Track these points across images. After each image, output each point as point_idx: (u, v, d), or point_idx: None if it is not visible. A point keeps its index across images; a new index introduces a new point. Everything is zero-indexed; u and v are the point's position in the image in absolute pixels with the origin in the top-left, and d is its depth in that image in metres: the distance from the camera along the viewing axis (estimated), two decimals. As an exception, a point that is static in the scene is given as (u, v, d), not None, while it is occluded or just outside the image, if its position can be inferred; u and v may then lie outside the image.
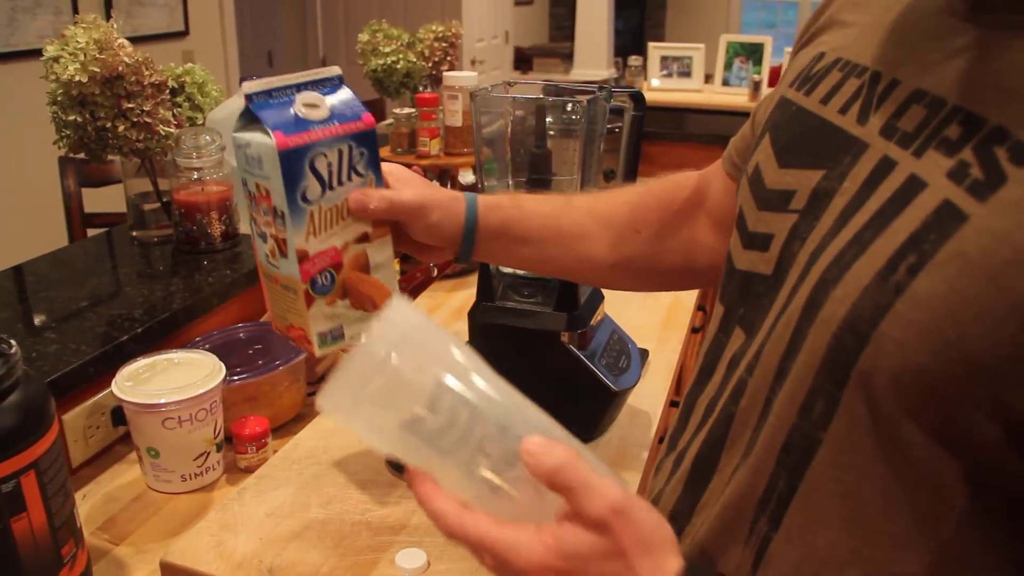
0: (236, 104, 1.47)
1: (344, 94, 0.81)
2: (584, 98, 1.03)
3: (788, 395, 0.57)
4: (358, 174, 0.79)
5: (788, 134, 0.67)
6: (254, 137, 0.77)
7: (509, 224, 0.88)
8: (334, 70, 0.82)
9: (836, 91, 0.63)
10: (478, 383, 0.55)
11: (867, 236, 0.53)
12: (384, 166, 0.83)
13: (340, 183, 0.78)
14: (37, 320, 1.23)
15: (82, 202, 2.18)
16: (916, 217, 0.50)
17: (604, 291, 1.27)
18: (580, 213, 0.92)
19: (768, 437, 0.59)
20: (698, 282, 1.04)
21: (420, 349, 0.55)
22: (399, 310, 0.56)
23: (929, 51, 0.56)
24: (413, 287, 0.98)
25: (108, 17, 3.41)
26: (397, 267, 0.89)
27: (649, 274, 0.97)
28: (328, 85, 0.81)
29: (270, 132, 0.75)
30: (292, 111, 0.77)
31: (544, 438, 0.54)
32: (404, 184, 0.84)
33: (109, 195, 2.13)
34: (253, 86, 0.77)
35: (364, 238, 0.81)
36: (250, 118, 0.78)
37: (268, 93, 0.77)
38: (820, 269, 0.56)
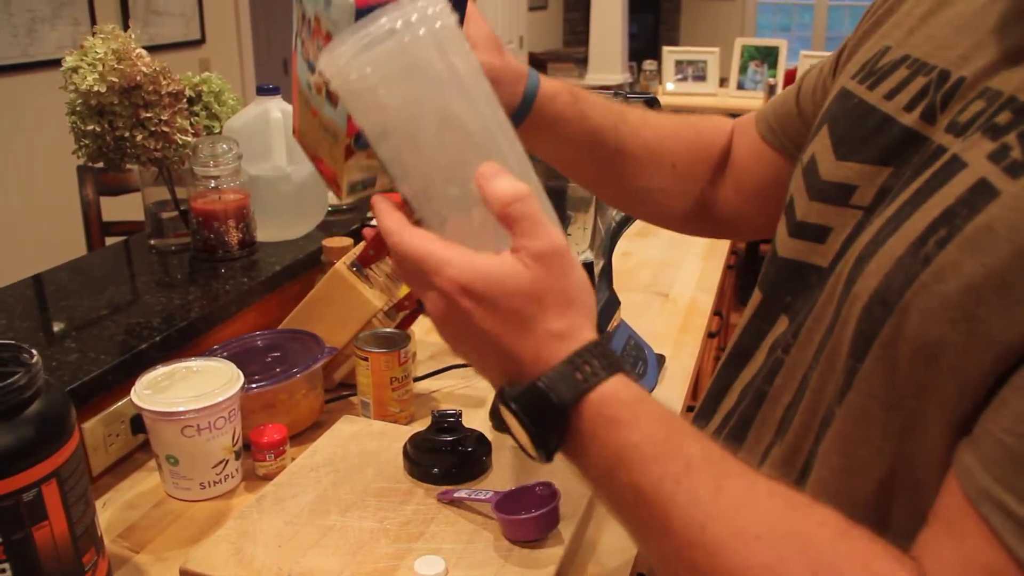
0: (253, 112, 1.48)
1: None
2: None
3: (824, 371, 0.58)
4: None
5: (848, 126, 0.67)
6: None
7: (556, 124, 0.86)
8: None
9: (902, 88, 0.63)
10: (483, 109, 0.57)
11: (904, 213, 0.54)
12: (468, 11, 0.74)
13: None
14: (57, 329, 1.24)
15: (100, 210, 2.20)
16: (952, 194, 0.51)
17: (620, 297, 1.27)
18: (628, 130, 0.90)
19: (806, 413, 0.60)
20: (705, 231, 1.04)
21: (442, 46, 0.56)
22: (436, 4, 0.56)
23: (993, 45, 0.56)
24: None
25: (126, 27, 3.42)
26: None
27: (665, 208, 0.97)
28: None
29: None
30: None
31: (501, 169, 0.55)
32: (477, 49, 0.76)
33: (127, 203, 2.15)
34: None
35: None
36: None
37: None
38: (859, 247, 0.57)
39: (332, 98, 0.71)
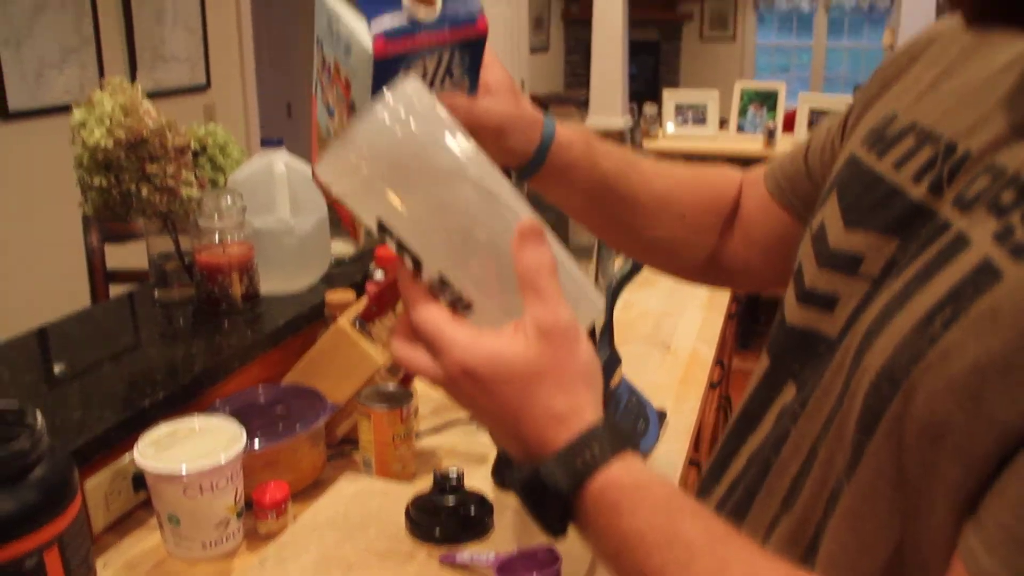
0: (258, 165, 1.50)
1: None
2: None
3: (832, 443, 0.58)
4: (451, 77, 0.71)
5: (856, 195, 0.68)
6: (344, 13, 0.67)
7: (568, 171, 0.85)
8: None
9: (910, 158, 0.63)
10: (486, 172, 0.58)
11: (911, 289, 0.55)
12: (485, 59, 0.74)
13: (430, 86, 0.70)
14: (61, 385, 1.24)
15: (104, 257, 2.21)
16: (957, 273, 0.51)
17: (622, 349, 1.27)
18: (638, 180, 0.90)
19: (814, 486, 0.60)
20: (715, 281, 1.04)
21: (431, 123, 0.57)
22: (411, 85, 0.57)
23: (1000, 119, 0.57)
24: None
25: (133, 72, 3.44)
26: None
27: (674, 258, 0.98)
28: None
29: (369, 31, 0.64)
30: (399, 1, 0.65)
31: (540, 233, 0.56)
32: (493, 97, 0.77)
33: (131, 249, 2.16)
34: None
35: None
36: None
37: None
38: (867, 322, 0.58)
39: None
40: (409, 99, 0.56)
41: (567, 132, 0.84)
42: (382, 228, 0.57)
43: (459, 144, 0.57)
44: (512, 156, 0.81)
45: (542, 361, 0.55)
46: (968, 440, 0.48)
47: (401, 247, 0.57)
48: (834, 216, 0.69)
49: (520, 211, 0.58)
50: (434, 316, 0.57)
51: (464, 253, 0.58)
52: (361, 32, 0.64)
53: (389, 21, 0.64)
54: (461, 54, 0.69)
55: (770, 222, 0.91)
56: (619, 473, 0.54)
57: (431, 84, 0.70)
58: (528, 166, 0.82)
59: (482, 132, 0.76)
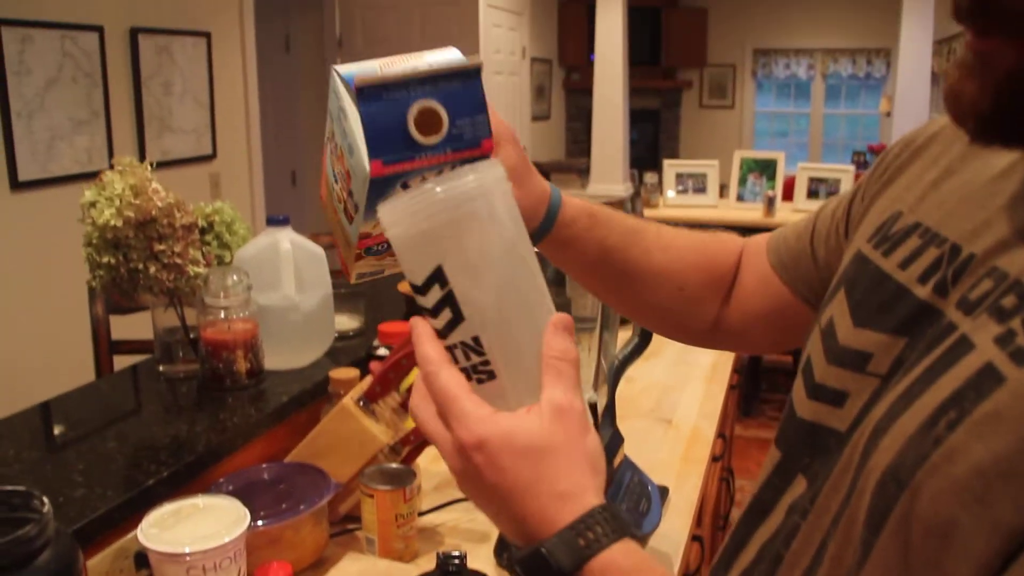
0: (264, 243, 1.52)
1: (472, 101, 0.65)
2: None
3: (841, 540, 0.58)
4: None
5: (864, 293, 0.69)
6: (351, 114, 0.66)
7: (571, 244, 0.88)
8: (473, 64, 0.66)
9: (916, 258, 0.65)
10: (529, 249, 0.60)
11: (916, 390, 0.56)
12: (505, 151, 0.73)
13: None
14: (65, 462, 1.25)
15: (110, 328, 2.23)
16: (961, 375, 0.52)
17: (623, 424, 1.28)
18: (639, 253, 0.92)
19: None
20: (717, 345, 1.06)
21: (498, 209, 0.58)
22: (493, 171, 0.58)
23: (1003, 223, 0.59)
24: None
25: (140, 143, 3.49)
26: None
27: (675, 325, 1.00)
28: (458, 81, 0.64)
29: (368, 152, 0.63)
30: (403, 122, 0.63)
31: (569, 327, 0.60)
32: (497, 147, 0.76)
33: (136, 319, 2.18)
34: (365, 78, 0.63)
35: None
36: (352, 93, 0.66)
37: (383, 88, 0.63)
38: (874, 419, 0.59)
39: (348, 216, 0.72)
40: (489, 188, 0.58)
41: (572, 207, 0.87)
42: (436, 278, 0.57)
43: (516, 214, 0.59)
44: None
45: (554, 439, 0.57)
46: (974, 541, 0.48)
47: (446, 301, 0.58)
48: (843, 314, 0.70)
49: (548, 297, 0.61)
50: (456, 383, 0.58)
51: (507, 323, 0.59)
52: (363, 142, 0.64)
53: (390, 139, 0.63)
54: (463, 165, 0.66)
55: (769, 294, 0.92)
56: (619, 556, 0.55)
57: None
58: (533, 238, 0.85)
59: None
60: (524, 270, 0.59)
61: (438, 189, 0.56)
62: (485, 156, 0.65)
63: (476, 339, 0.58)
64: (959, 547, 0.49)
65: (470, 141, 0.65)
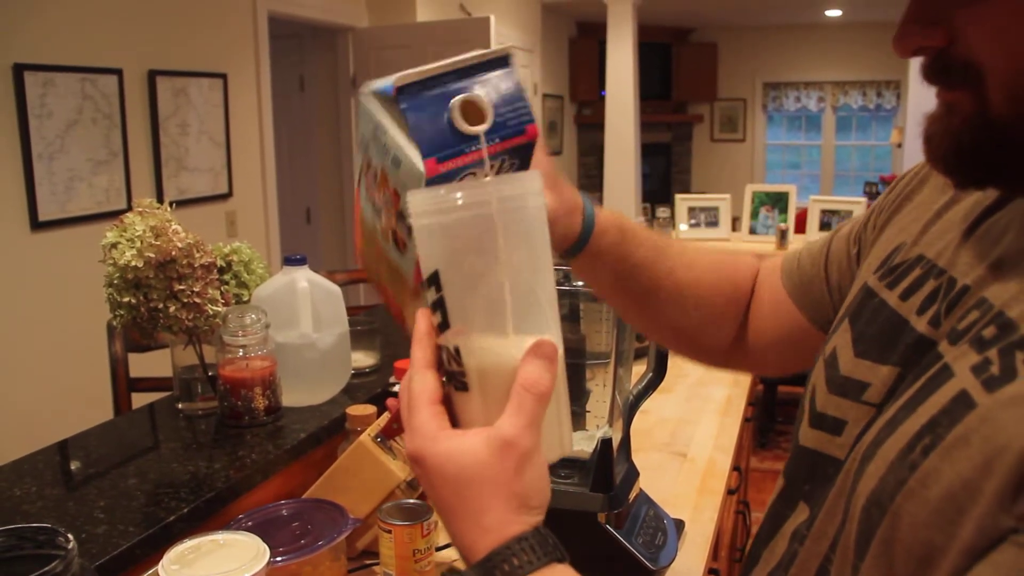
0: (281, 282, 1.54)
1: (509, 88, 0.65)
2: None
3: (840, 565, 0.60)
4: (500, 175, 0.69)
5: (867, 324, 0.71)
6: (391, 127, 0.66)
7: (600, 256, 0.87)
8: (504, 50, 0.66)
9: (916, 289, 0.67)
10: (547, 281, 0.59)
11: (900, 417, 0.58)
12: (534, 155, 0.73)
13: None
14: (86, 499, 1.26)
15: (128, 366, 2.25)
16: (938, 403, 0.54)
17: (638, 457, 1.29)
18: (663, 270, 0.92)
19: None
20: (737, 366, 1.06)
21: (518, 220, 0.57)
22: (525, 185, 0.57)
23: (992, 255, 0.61)
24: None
25: (158, 182, 3.53)
26: None
27: (694, 345, 1.01)
28: (493, 70, 0.65)
29: (420, 152, 0.62)
30: (446, 118, 0.63)
31: (553, 354, 0.58)
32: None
33: (154, 356, 2.20)
34: (403, 77, 0.63)
35: None
36: (390, 102, 0.66)
37: (422, 84, 0.63)
38: (863, 446, 0.60)
39: (399, 245, 0.70)
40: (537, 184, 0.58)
41: (604, 219, 0.86)
42: (433, 280, 0.58)
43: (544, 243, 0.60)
44: (555, 241, 0.81)
45: (485, 473, 0.57)
46: (951, 564, 0.50)
47: (439, 305, 0.58)
48: (846, 344, 0.72)
49: (552, 326, 0.60)
50: (423, 391, 0.59)
51: (488, 350, 0.58)
52: (411, 147, 0.63)
53: (438, 136, 0.62)
54: (511, 158, 0.67)
55: (783, 317, 0.94)
56: None
57: None
58: (570, 249, 0.84)
59: None
60: (523, 292, 0.58)
61: (458, 195, 0.56)
62: (532, 143, 0.66)
63: (457, 350, 0.58)
64: (938, 571, 0.50)
65: (515, 128, 0.65)
